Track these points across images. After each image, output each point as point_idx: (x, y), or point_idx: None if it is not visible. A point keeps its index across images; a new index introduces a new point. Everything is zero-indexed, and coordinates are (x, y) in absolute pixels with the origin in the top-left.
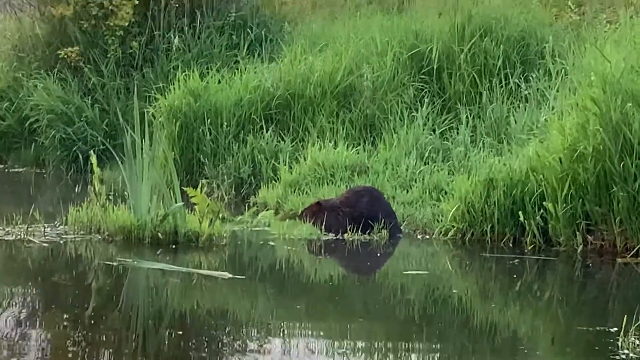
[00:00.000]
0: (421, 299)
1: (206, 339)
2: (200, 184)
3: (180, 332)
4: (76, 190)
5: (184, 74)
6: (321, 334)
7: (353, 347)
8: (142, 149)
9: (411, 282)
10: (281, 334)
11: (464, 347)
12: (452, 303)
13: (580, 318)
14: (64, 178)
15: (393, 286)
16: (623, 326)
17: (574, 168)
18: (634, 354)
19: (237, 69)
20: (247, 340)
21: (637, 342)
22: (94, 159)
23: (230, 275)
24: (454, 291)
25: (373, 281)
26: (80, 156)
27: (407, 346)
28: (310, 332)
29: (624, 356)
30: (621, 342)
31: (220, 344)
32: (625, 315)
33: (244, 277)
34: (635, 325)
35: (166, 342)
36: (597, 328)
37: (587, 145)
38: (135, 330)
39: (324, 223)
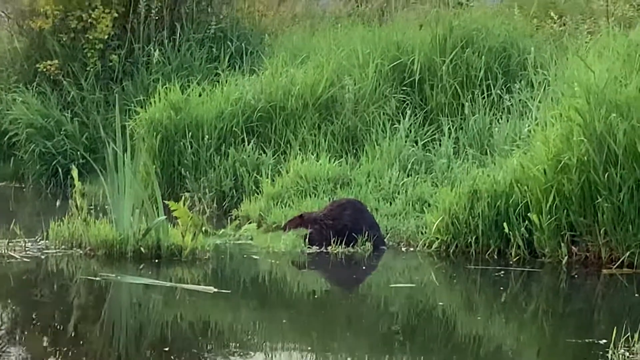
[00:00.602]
0: (408, 312)
1: (194, 355)
2: (182, 198)
3: (167, 349)
4: (56, 204)
5: (164, 87)
6: (309, 348)
7: None
8: (124, 162)
9: (397, 295)
10: (269, 350)
11: None
12: (438, 316)
13: (568, 330)
14: (43, 192)
15: (379, 299)
16: (612, 338)
17: (558, 179)
18: None
19: (218, 82)
20: (235, 356)
21: (627, 354)
22: (75, 173)
23: (216, 290)
24: (440, 304)
25: (359, 295)
26: (60, 170)
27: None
28: (298, 347)
29: None
30: (611, 355)
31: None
32: (615, 327)
33: (229, 291)
34: (625, 337)
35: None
36: (586, 340)
37: (572, 156)
38: (119, 347)
39: (307, 236)
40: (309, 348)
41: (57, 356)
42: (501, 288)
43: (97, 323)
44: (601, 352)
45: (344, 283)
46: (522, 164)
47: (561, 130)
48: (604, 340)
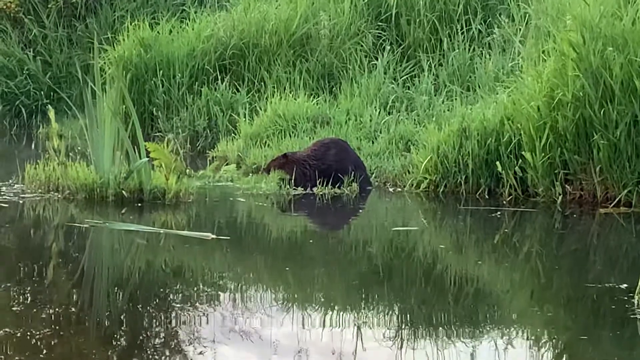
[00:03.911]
0: (410, 255)
1: (219, 306)
2: (166, 139)
3: (178, 305)
4: (30, 147)
5: (133, 23)
6: (329, 296)
7: (357, 310)
8: (103, 101)
9: (400, 238)
10: (284, 298)
11: (469, 307)
12: (444, 258)
13: (583, 274)
14: (7, 134)
15: (383, 244)
16: (639, 284)
17: (552, 116)
18: None
19: (186, 18)
20: (258, 304)
21: None
22: (51, 114)
23: (214, 236)
24: (441, 246)
25: (364, 239)
26: (24, 111)
27: (406, 303)
28: (316, 295)
29: None
30: (638, 300)
31: (227, 309)
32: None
33: (229, 237)
34: None
35: (170, 313)
36: (606, 285)
37: (566, 92)
38: (127, 300)
39: (293, 176)
40: (330, 296)
41: (57, 306)
42: (506, 230)
43: (96, 274)
44: (625, 298)
45: (341, 227)
46: (513, 100)
47: (554, 65)
48: (625, 285)
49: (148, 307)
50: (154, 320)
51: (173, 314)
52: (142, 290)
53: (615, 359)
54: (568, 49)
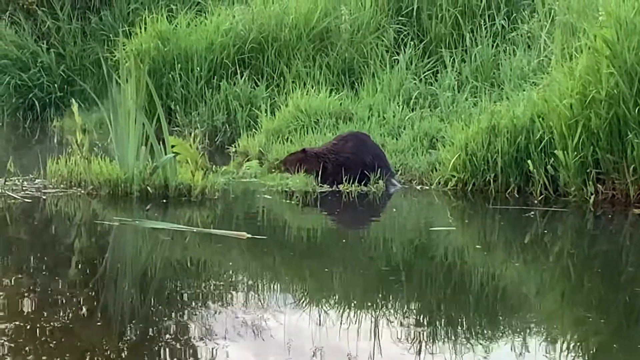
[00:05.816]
0: (446, 255)
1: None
2: (192, 135)
3: (240, 310)
4: (45, 141)
5: (150, 16)
6: (376, 297)
7: (402, 313)
8: (129, 95)
9: (436, 238)
10: (330, 302)
11: (501, 308)
12: (486, 260)
13: (616, 277)
14: (21, 127)
15: (419, 244)
16: None
17: (584, 114)
18: None
19: (201, 11)
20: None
21: None
22: (75, 108)
23: (249, 235)
24: (483, 247)
25: (399, 240)
26: (37, 103)
27: (445, 303)
28: (367, 298)
29: None
30: None
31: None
32: None
33: (265, 237)
34: None
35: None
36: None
37: (600, 89)
38: (169, 304)
39: (315, 172)
40: (373, 299)
41: (101, 308)
42: (539, 230)
43: (136, 274)
44: None
45: (373, 226)
46: (544, 97)
47: (587, 62)
48: None
49: (194, 308)
50: (201, 321)
51: (219, 314)
52: (186, 291)
53: None
54: (602, 46)
